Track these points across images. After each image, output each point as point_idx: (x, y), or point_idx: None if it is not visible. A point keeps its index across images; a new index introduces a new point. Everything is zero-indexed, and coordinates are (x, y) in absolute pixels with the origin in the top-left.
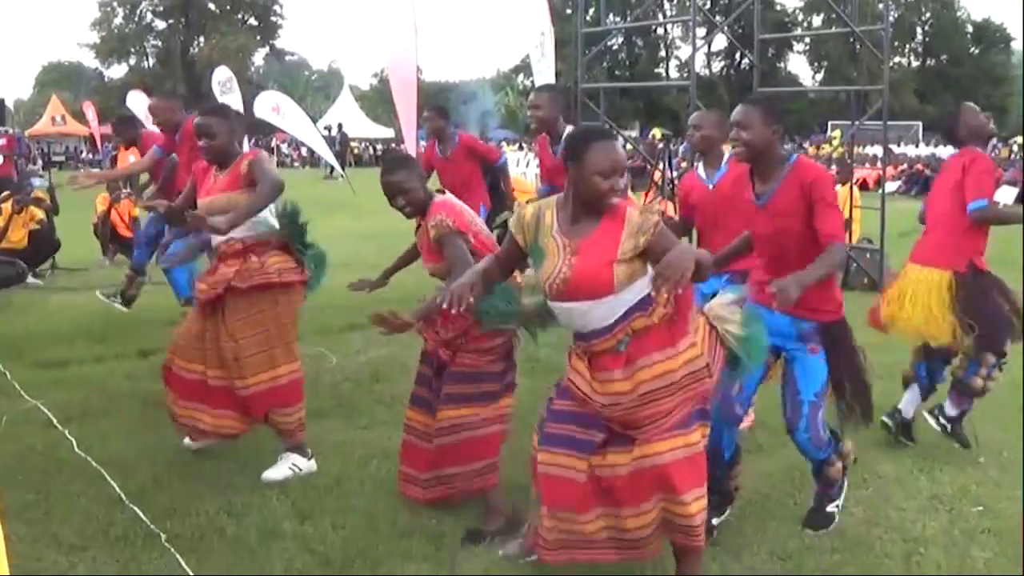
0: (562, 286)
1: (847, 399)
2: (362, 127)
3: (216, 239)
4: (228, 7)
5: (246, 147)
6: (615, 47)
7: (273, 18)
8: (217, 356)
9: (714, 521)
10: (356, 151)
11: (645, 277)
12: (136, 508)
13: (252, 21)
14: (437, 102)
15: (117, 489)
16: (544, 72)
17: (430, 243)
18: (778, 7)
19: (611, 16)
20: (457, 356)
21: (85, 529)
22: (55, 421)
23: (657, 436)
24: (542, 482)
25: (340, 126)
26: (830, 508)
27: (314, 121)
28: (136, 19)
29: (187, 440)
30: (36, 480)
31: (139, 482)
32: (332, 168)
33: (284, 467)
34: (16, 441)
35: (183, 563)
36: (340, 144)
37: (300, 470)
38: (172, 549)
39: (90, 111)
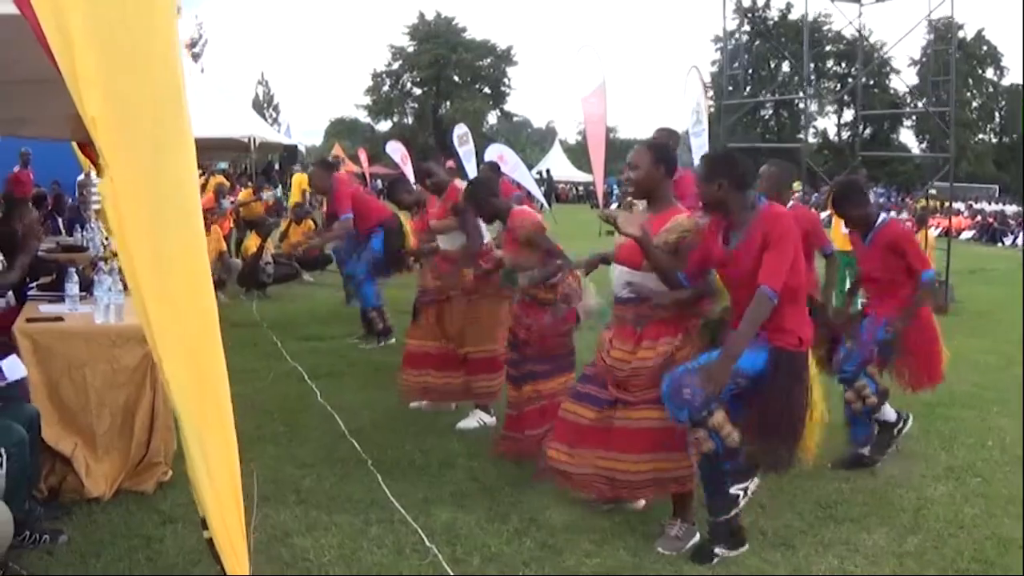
0: (616, 251)
1: (766, 436)
2: (568, 172)
3: None
4: (469, 79)
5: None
6: (766, 117)
7: (503, 88)
8: None
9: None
10: (563, 190)
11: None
12: (354, 441)
13: (486, 90)
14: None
15: (343, 426)
16: (699, 135)
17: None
18: (891, 91)
19: (763, 92)
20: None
21: (315, 453)
22: (307, 377)
23: (638, 405)
24: (556, 422)
25: (548, 171)
26: (733, 490)
27: (530, 168)
28: (399, 87)
29: None
30: (287, 417)
31: (359, 423)
32: (541, 204)
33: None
34: (278, 390)
35: (380, 481)
36: (547, 185)
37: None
38: (375, 471)
39: (362, 155)
